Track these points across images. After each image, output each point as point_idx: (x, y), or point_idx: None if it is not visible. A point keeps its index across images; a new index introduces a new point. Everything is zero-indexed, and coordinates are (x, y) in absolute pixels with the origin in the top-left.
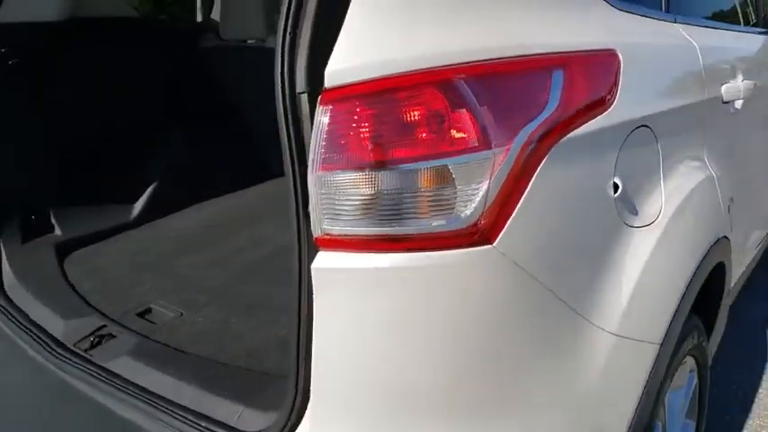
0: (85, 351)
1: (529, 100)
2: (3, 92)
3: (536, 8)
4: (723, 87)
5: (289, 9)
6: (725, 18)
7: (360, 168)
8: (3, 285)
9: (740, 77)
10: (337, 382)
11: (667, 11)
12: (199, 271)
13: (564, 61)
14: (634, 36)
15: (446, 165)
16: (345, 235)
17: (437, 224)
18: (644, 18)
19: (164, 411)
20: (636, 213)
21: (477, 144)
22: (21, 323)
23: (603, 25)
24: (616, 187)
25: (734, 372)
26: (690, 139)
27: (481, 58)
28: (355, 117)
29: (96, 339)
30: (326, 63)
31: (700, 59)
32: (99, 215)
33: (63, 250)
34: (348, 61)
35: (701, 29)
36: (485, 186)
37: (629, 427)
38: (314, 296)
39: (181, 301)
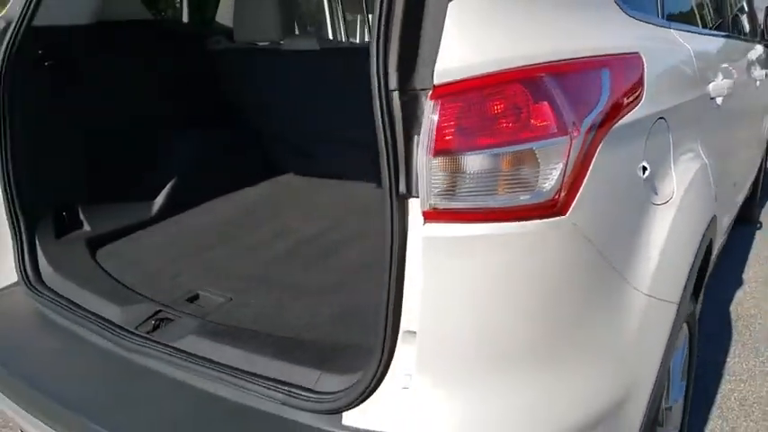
0: (148, 333)
1: (589, 94)
2: (39, 92)
3: (578, 17)
4: (710, 86)
5: (380, 20)
6: (702, 23)
7: (464, 152)
8: (41, 278)
9: (720, 76)
10: (439, 335)
11: (663, 18)
12: (233, 260)
13: (608, 62)
14: (647, 41)
15: (531, 148)
16: (450, 209)
17: (524, 198)
18: (649, 25)
19: (242, 379)
20: (656, 192)
21: (556, 131)
22: (74, 311)
23: (625, 31)
24: (644, 169)
25: (705, 342)
26: (690, 130)
27: (553, 59)
28: (460, 109)
29: (156, 323)
30: (411, 64)
31: (693, 61)
32: (123, 211)
33: (93, 245)
34: (452, 63)
35: (689, 34)
36: (561, 166)
37: (655, 382)
38: (422, 261)
39: (225, 287)
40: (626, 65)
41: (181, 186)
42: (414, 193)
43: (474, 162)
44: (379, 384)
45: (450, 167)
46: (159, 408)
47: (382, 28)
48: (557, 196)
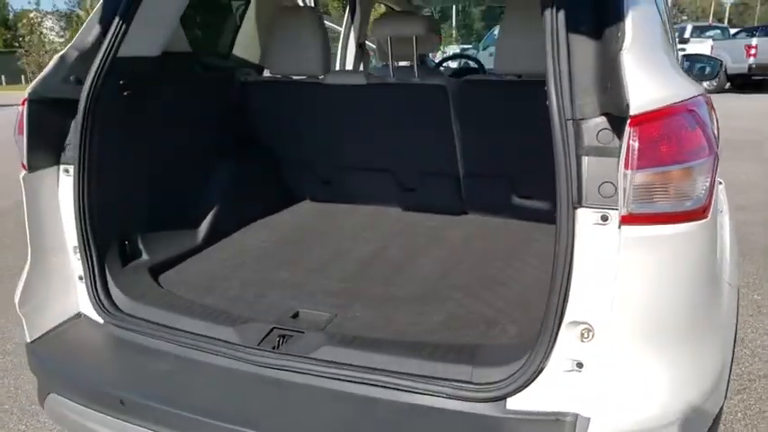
0: (274, 349)
1: (711, 121)
2: (116, 122)
3: (676, 69)
4: None
5: (556, 65)
6: None
7: (653, 168)
8: (117, 306)
9: None
10: (627, 318)
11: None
12: (307, 281)
13: (707, 100)
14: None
15: (692, 165)
16: (641, 213)
17: (687, 204)
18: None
19: (401, 379)
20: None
21: (707, 151)
22: (175, 335)
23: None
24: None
25: None
26: None
27: (687, 98)
28: (650, 134)
29: (279, 339)
30: (580, 98)
31: None
32: (173, 239)
33: (154, 272)
34: (641, 99)
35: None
36: (709, 179)
37: (733, 350)
38: (618, 256)
39: (318, 305)
40: (710, 102)
41: (221, 214)
42: (583, 203)
43: (659, 176)
44: (541, 370)
45: (643, 180)
46: (325, 413)
47: (559, 72)
48: (706, 202)
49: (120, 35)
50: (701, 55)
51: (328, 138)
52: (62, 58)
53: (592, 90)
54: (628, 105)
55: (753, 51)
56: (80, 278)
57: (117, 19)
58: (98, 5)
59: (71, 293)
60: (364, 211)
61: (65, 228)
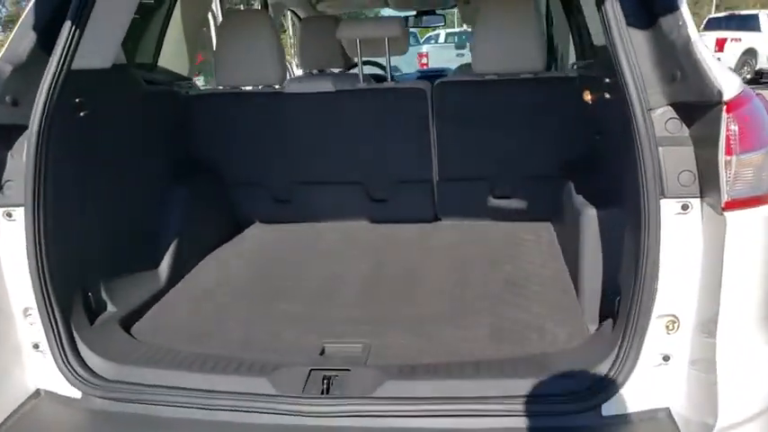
0: (324, 394)
1: None
2: (71, 149)
3: None
4: None
5: (627, 52)
6: None
7: (754, 150)
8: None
9: None
10: (731, 305)
11: None
12: (314, 310)
13: None
14: None
15: None
16: (746, 197)
17: None
18: None
19: (480, 405)
20: None
21: None
22: (198, 395)
23: None
24: None
25: None
26: None
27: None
28: (744, 120)
29: (325, 382)
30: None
31: None
32: (135, 283)
33: (125, 326)
34: (731, 86)
35: None
36: None
37: None
38: (725, 241)
39: (339, 335)
40: None
41: (179, 248)
42: (666, 194)
43: (758, 158)
44: (633, 369)
45: (745, 164)
46: None
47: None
48: None
49: (73, 43)
50: None
51: (287, 152)
52: None
53: (655, 81)
54: (720, 92)
55: None
56: (35, 347)
57: (69, 24)
58: (28, 8)
59: (24, 368)
60: (333, 228)
61: (7, 286)
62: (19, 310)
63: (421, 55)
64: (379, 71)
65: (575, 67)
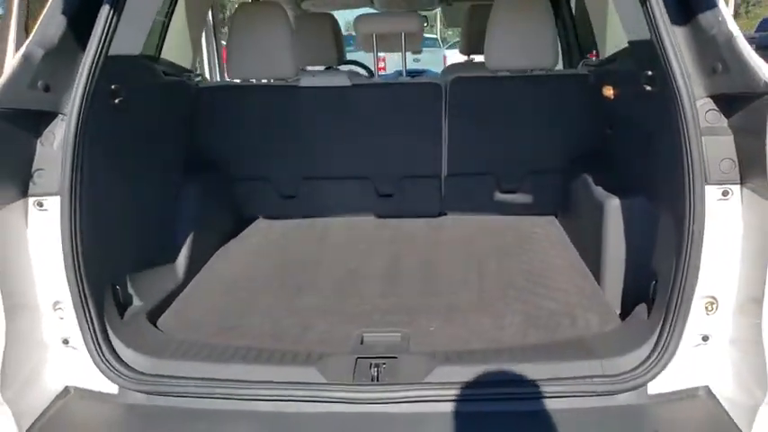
0: (376, 382)
1: None
2: (104, 137)
3: None
4: None
5: (672, 44)
6: None
7: None
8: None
9: None
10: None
11: None
12: (338, 302)
13: None
14: None
15: None
16: None
17: None
18: None
19: (533, 388)
20: None
21: None
22: (245, 386)
23: None
24: None
25: None
26: None
27: None
28: None
29: (374, 369)
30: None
31: None
32: (157, 276)
33: (152, 319)
34: None
35: None
36: None
37: None
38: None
39: (375, 324)
40: None
41: (194, 241)
42: (708, 181)
43: None
44: (676, 349)
45: None
46: None
47: (681, 56)
48: None
49: (111, 28)
50: None
51: (296, 147)
52: (26, 57)
53: (695, 74)
54: (766, 83)
55: None
56: (64, 342)
57: (107, 8)
58: None
59: (53, 364)
60: (339, 223)
61: (36, 280)
62: (48, 304)
63: (379, 59)
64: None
65: (583, 64)
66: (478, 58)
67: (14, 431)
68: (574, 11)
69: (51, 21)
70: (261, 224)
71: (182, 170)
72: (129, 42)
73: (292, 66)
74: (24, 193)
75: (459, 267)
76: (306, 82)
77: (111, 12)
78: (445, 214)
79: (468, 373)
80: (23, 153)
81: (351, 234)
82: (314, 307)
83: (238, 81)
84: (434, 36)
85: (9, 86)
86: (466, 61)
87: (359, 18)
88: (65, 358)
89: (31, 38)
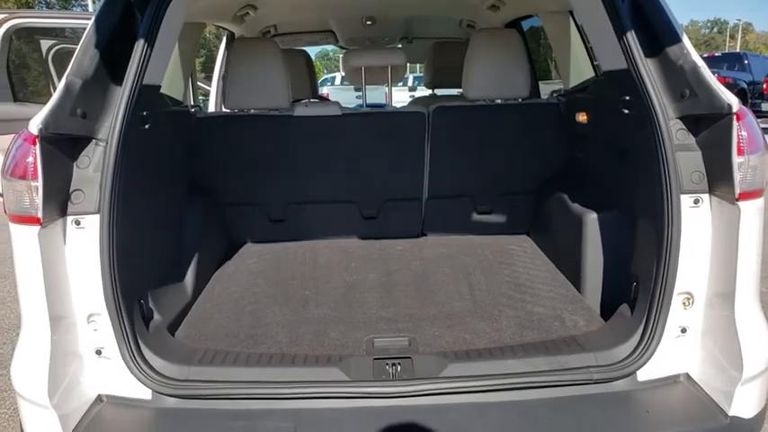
0: (396, 378)
1: None
2: (133, 160)
3: None
4: None
5: (647, 70)
6: None
7: (756, 152)
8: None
9: None
10: (742, 282)
11: None
12: (343, 313)
13: None
14: None
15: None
16: (749, 191)
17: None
18: None
19: (536, 377)
20: None
21: None
22: (274, 386)
23: None
24: None
25: None
26: None
27: None
28: (749, 126)
29: (391, 368)
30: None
31: None
32: (170, 293)
33: (171, 331)
34: (734, 101)
35: None
36: None
37: None
38: (740, 225)
39: (382, 331)
40: None
41: (199, 262)
42: (682, 190)
43: (758, 159)
44: (660, 340)
45: (752, 163)
46: (493, 423)
47: (654, 79)
48: None
49: (145, 60)
50: None
51: (287, 173)
52: (67, 87)
53: (666, 98)
54: (730, 105)
55: None
56: (97, 352)
57: (142, 42)
58: (88, 28)
59: (88, 373)
60: (326, 245)
61: (73, 293)
62: (83, 316)
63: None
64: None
65: (554, 95)
66: (440, 92)
67: None
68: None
69: (86, 53)
70: (252, 247)
71: (185, 195)
72: (157, 73)
73: (287, 97)
74: (63, 213)
75: (450, 280)
76: (299, 112)
77: (146, 45)
78: (425, 235)
79: (478, 368)
80: (63, 175)
81: (340, 254)
82: (322, 317)
83: (229, 111)
84: None
85: (53, 114)
86: (430, 95)
87: (348, 52)
88: (98, 368)
89: (69, 69)
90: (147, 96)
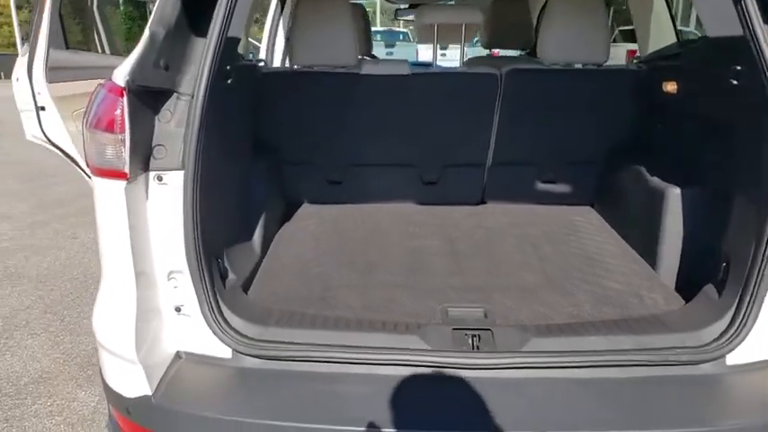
0: (477, 350)
1: None
2: (215, 116)
3: None
4: None
5: None
6: None
7: None
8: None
9: None
10: None
11: None
12: (411, 279)
13: None
14: None
15: None
16: None
17: None
18: None
19: (620, 356)
20: None
21: None
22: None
23: None
24: None
25: None
26: None
27: None
28: None
29: (472, 339)
30: None
31: None
32: (242, 252)
33: (244, 290)
34: None
35: None
36: None
37: None
38: None
39: (454, 300)
40: None
41: (266, 221)
42: None
43: None
44: (753, 325)
45: None
46: (577, 399)
47: None
48: None
49: (231, 11)
50: None
51: (349, 133)
52: (151, 36)
53: None
54: None
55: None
56: (177, 309)
57: None
58: None
59: (168, 330)
60: (384, 209)
61: (153, 250)
62: (163, 273)
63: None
64: None
65: (633, 61)
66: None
67: (148, 388)
68: None
69: (167, 1)
70: (309, 208)
71: (251, 153)
72: (238, 26)
73: (354, 54)
74: (146, 168)
75: (516, 251)
76: (367, 70)
77: None
78: (485, 203)
79: (561, 343)
80: (146, 130)
81: (398, 219)
82: (391, 283)
83: (297, 67)
84: (405, 30)
85: (140, 65)
86: (487, 55)
87: (421, 8)
88: (177, 325)
89: (152, 18)
90: (229, 49)
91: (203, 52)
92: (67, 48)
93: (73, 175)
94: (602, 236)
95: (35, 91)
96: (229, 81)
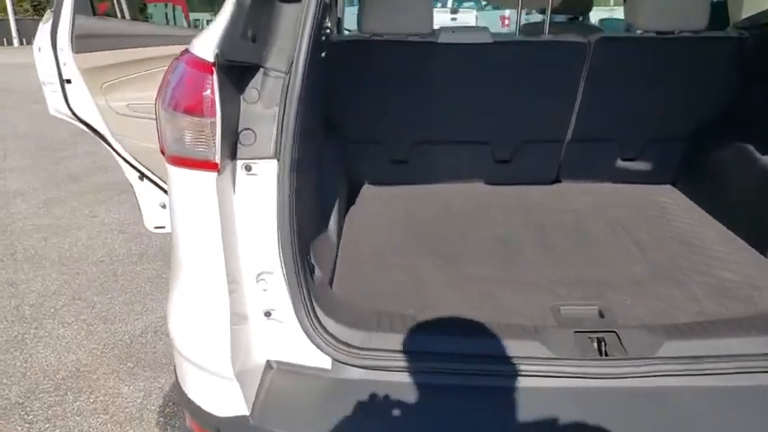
0: (607, 357)
1: None
2: (311, 95)
3: None
4: None
5: None
6: None
7: None
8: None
9: None
10: None
11: None
12: (507, 273)
13: None
14: None
15: None
16: None
17: None
18: None
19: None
20: None
21: None
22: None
23: None
24: None
25: None
26: None
27: None
28: None
29: (599, 344)
30: None
31: None
32: (322, 244)
33: (331, 287)
34: None
35: None
36: None
37: None
38: None
39: (562, 297)
40: None
41: (338, 206)
42: None
43: None
44: None
45: None
46: (724, 414)
47: None
48: None
49: None
50: None
51: (420, 108)
52: (239, 3)
53: None
54: None
55: (506, 22)
56: (266, 314)
57: None
58: None
59: (257, 338)
60: (454, 189)
61: (240, 250)
62: (252, 275)
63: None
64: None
65: (734, 26)
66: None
67: (245, 408)
68: None
69: None
70: (371, 189)
71: (323, 132)
72: None
73: (430, 21)
74: (233, 156)
75: (610, 236)
76: (445, 38)
77: None
78: (560, 181)
79: (699, 347)
80: (234, 113)
81: (470, 200)
82: (485, 276)
83: (367, 36)
84: None
85: (229, 36)
86: (569, 20)
87: None
88: (267, 332)
89: None
90: (323, 17)
91: (300, 20)
92: (94, 14)
93: (84, 150)
94: (695, 218)
95: (60, 62)
96: (323, 54)
